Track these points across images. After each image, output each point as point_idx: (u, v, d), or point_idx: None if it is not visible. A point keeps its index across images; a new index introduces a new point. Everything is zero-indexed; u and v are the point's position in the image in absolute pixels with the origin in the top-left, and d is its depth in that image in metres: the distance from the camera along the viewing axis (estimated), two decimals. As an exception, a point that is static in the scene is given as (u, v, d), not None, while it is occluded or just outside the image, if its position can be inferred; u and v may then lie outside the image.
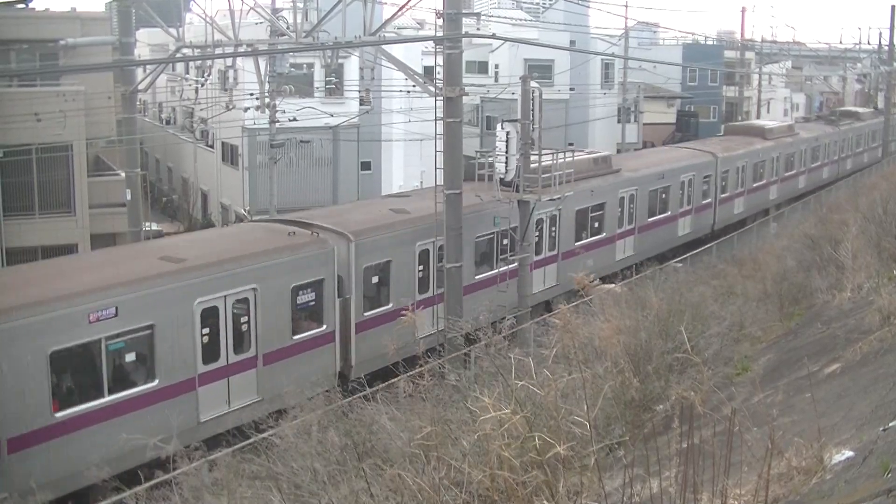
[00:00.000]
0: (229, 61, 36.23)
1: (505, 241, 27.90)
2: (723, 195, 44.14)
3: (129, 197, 29.83)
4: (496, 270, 27.67)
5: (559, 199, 27.56)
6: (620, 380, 10.56)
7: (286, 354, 21.34)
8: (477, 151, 29.84)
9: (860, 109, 74.23)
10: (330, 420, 12.79)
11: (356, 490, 8.98)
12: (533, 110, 26.08)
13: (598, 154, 36.75)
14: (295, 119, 36.94)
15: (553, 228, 31.03)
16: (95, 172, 36.55)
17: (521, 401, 8.19)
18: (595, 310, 15.08)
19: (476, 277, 27.24)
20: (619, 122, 60.02)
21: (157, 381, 18.80)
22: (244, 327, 20.60)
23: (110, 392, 18.06)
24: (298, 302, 21.91)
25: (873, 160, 68.11)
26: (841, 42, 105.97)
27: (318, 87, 42.05)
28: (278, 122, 36.23)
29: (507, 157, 26.75)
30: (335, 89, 41.00)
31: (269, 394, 20.16)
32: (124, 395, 18.31)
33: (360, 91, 43.64)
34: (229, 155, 46.75)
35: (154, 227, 41.01)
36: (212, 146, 49.05)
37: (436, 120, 24.25)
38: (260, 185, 41.38)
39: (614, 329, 10.67)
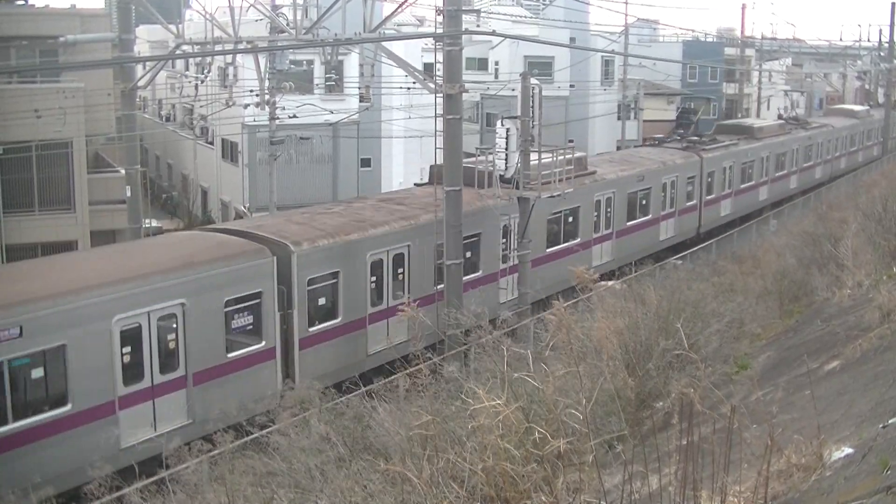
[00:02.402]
0: (229, 58, 36.23)
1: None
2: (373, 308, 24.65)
3: (128, 194, 29.84)
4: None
5: (559, 195, 27.53)
6: (619, 376, 10.56)
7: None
8: (477, 148, 29.80)
9: (759, 123, 54.13)
10: (327, 416, 12.81)
11: (352, 486, 8.97)
12: (533, 107, 26.07)
13: None
14: (295, 116, 36.92)
15: None
16: (95, 169, 36.56)
17: (516, 393, 8.19)
18: (594, 306, 15.07)
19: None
20: (619, 118, 60.00)
21: None
22: None
23: None
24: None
25: (779, 195, 50.68)
26: (841, 39, 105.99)
27: (317, 84, 42.04)
28: (278, 118, 36.22)
29: (506, 154, 26.72)
30: (335, 86, 40.98)
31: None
32: None
33: (360, 88, 43.64)
34: (229, 152, 46.74)
35: (154, 223, 41.04)
36: (212, 143, 49.04)
37: (436, 117, 24.25)
38: (260, 182, 41.39)
39: (611, 326, 10.66)
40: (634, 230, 36.08)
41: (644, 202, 36.99)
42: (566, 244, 31.30)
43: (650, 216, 37.32)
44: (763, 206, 48.52)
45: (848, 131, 64.06)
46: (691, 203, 40.88)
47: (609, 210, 34.24)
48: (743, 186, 45.97)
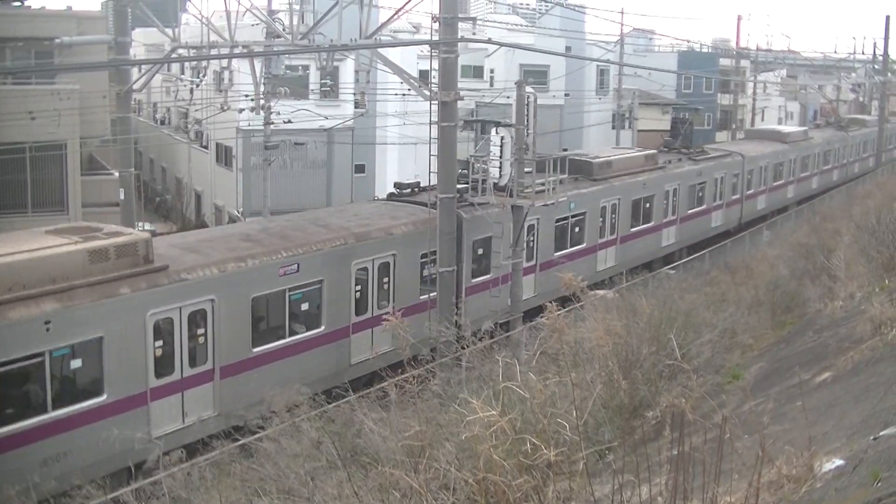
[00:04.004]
0: (225, 62, 36.26)
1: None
2: None
3: (122, 196, 29.82)
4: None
5: (552, 204, 27.56)
6: (609, 384, 10.56)
7: None
8: (471, 156, 29.87)
9: (604, 157, 36.95)
10: (319, 422, 12.79)
11: (342, 493, 8.96)
12: (528, 115, 26.11)
13: None
14: (290, 121, 36.92)
15: None
16: (89, 171, 36.53)
17: (509, 403, 8.18)
18: (586, 314, 15.09)
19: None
20: (613, 128, 60.14)
21: None
22: None
23: None
24: None
25: (642, 257, 37.12)
26: (836, 51, 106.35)
27: (313, 90, 42.06)
28: (273, 123, 36.22)
29: (500, 162, 26.74)
30: (330, 92, 41.04)
31: None
32: None
33: (355, 94, 43.72)
34: (223, 156, 46.72)
35: (147, 226, 40.97)
36: (206, 147, 49.03)
37: (430, 124, 24.27)
38: (254, 187, 41.33)
39: (604, 333, 10.67)
40: (284, 355, 21.43)
41: (306, 307, 22.24)
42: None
43: (322, 329, 22.31)
44: (610, 274, 32.48)
45: (769, 160, 50.46)
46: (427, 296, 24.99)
47: (200, 334, 19.79)
48: (559, 255, 31.13)
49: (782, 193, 52.89)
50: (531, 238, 29.45)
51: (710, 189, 43.00)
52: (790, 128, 63.23)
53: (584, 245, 32.97)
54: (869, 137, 70.02)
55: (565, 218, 31.59)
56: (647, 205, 37.47)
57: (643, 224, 37.24)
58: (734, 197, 45.81)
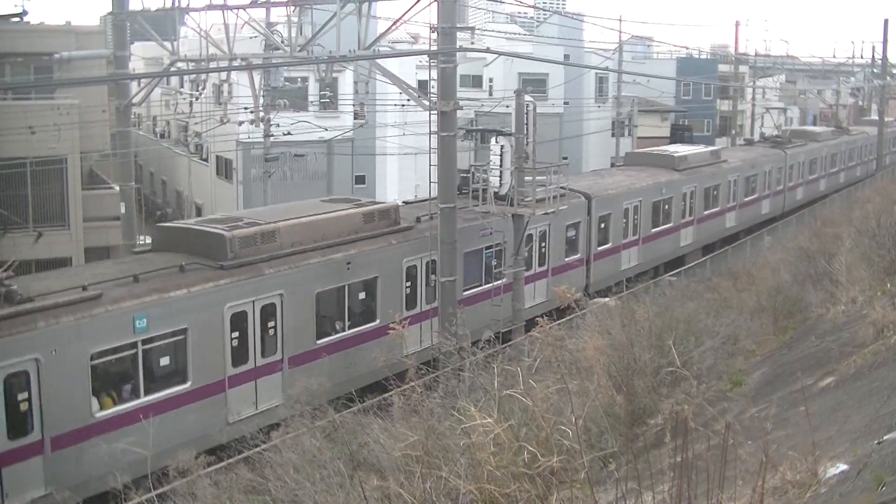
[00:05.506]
0: (224, 75, 36.27)
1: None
2: None
3: (123, 210, 29.82)
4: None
5: (552, 213, 27.52)
6: (609, 393, 10.56)
7: None
8: (471, 165, 29.70)
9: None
10: (323, 432, 12.78)
11: (349, 502, 8.95)
12: (527, 124, 26.11)
13: None
14: (289, 133, 36.93)
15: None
16: (90, 186, 36.50)
17: (508, 411, 8.17)
18: (588, 324, 15.08)
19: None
20: (613, 135, 60.14)
21: None
22: None
23: None
24: None
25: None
26: (834, 56, 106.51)
27: (312, 101, 42.10)
28: (273, 135, 36.23)
29: (500, 171, 26.72)
30: (329, 103, 41.07)
31: None
32: None
33: (354, 105, 43.75)
34: (224, 168, 46.74)
35: (148, 240, 40.96)
36: (206, 160, 49.06)
37: (430, 134, 24.27)
38: (254, 199, 41.35)
39: (602, 343, 10.67)
40: None
41: None
42: None
43: None
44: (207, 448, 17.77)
45: (643, 198, 36.04)
46: None
47: None
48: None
49: (671, 241, 38.70)
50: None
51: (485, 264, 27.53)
52: (690, 149, 45.81)
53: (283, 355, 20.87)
54: (819, 154, 57.43)
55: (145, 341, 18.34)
56: (363, 294, 23.33)
57: (362, 325, 22.92)
58: (573, 257, 31.70)
